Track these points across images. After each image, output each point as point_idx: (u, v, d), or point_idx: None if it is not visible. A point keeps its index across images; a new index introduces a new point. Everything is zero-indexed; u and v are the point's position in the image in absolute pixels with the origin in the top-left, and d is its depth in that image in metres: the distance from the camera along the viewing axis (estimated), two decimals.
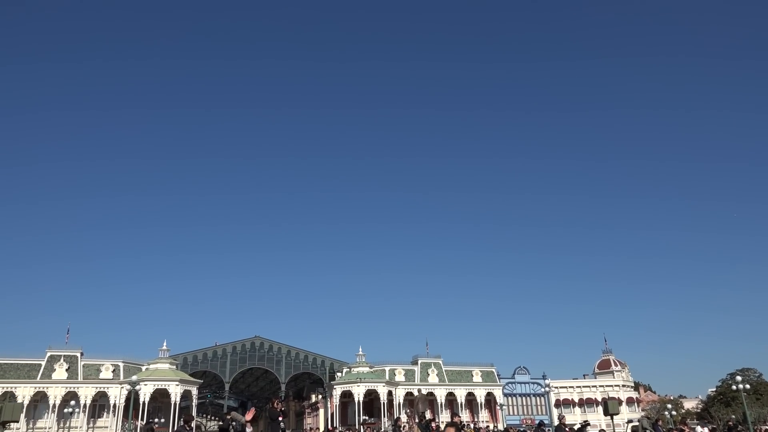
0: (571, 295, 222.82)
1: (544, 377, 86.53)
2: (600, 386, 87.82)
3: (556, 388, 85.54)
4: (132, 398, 50.65)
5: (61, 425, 65.42)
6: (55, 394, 65.27)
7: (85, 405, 65.84)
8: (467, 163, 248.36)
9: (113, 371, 68.87)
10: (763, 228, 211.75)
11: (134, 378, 47.14)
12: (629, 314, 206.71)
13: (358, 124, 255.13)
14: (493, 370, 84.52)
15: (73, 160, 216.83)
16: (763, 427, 50.27)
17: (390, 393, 74.47)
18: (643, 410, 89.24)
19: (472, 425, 51.53)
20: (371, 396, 73.52)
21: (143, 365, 70.78)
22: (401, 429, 28.72)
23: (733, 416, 69.09)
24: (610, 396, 78.35)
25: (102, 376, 68.35)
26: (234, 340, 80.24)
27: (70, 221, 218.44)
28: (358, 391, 71.57)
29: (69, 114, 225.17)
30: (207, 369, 77.44)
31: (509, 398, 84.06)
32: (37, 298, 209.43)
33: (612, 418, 34.17)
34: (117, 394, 66.95)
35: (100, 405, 68.26)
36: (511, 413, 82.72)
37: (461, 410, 76.17)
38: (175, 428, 52.13)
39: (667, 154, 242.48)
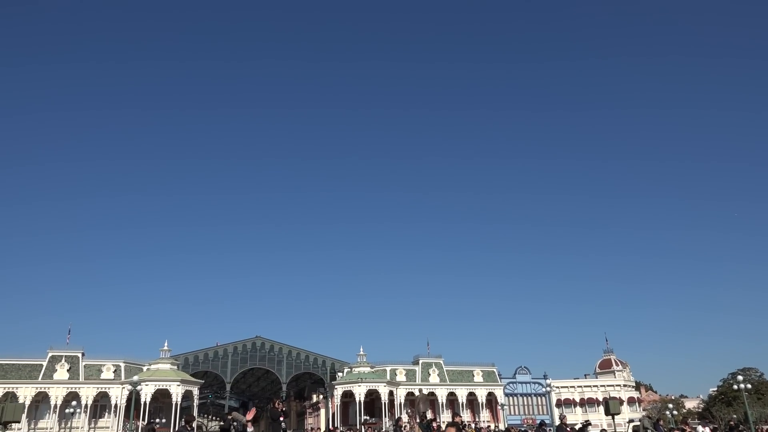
0: (572, 294, 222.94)
1: (545, 377, 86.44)
2: (601, 386, 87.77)
3: (558, 387, 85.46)
4: (133, 398, 50.74)
5: (63, 425, 65.45)
6: (57, 394, 65.33)
7: (86, 405, 65.86)
8: (468, 163, 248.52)
9: (114, 371, 68.92)
10: (764, 227, 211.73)
11: (135, 378, 47.14)
12: (630, 314, 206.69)
13: (359, 124, 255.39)
14: (495, 369, 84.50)
15: (73, 161, 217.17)
16: (765, 427, 50.26)
17: (391, 393, 74.47)
18: (644, 410, 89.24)
19: (473, 425, 51.56)
20: (372, 396, 73.52)
21: (144, 365, 70.81)
22: (402, 429, 28.74)
23: (735, 416, 68.96)
24: (612, 396, 78.22)
25: (103, 376, 68.41)
26: (235, 341, 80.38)
27: (72, 221, 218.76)
28: (360, 391, 71.55)
29: (69, 114, 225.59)
30: (208, 369, 77.49)
31: (510, 398, 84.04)
32: (39, 299, 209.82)
33: (613, 418, 34.19)
34: (118, 395, 67.01)
35: (101, 405, 68.31)
36: (512, 413, 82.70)
37: (462, 410, 76.20)
38: (177, 428, 52.17)
39: (667, 154, 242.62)
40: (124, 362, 70.21)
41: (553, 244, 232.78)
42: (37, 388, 65.18)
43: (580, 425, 29.61)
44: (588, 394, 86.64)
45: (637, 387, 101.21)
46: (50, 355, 67.86)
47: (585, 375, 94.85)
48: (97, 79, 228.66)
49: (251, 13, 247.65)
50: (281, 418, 17.72)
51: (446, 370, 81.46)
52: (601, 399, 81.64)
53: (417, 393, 75.54)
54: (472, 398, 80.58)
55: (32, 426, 64.69)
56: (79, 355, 69.12)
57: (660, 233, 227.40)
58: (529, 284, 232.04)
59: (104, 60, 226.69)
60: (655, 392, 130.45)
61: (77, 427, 65.54)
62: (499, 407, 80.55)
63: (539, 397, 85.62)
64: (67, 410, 63.57)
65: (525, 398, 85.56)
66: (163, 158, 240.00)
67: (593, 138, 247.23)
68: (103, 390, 67.48)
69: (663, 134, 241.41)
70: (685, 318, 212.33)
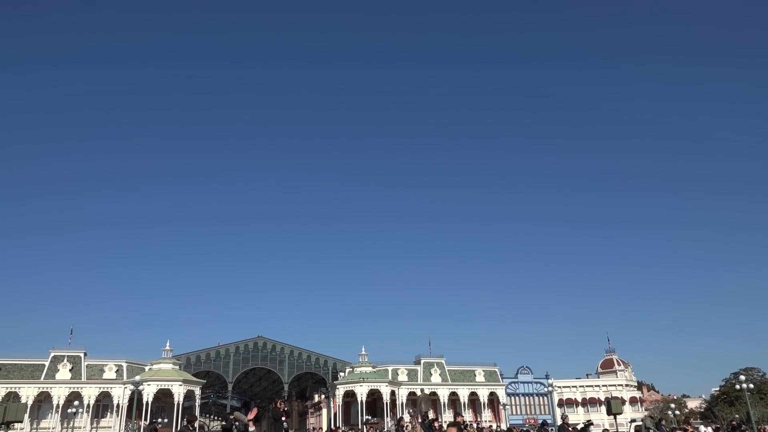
0: (574, 294, 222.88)
1: (547, 377, 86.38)
2: (603, 386, 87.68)
3: (559, 387, 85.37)
4: (135, 398, 50.81)
5: (65, 425, 65.55)
6: (59, 394, 65.44)
7: (88, 405, 65.96)
8: (468, 163, 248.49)
9: (116, 371, 69.00)
10: (765, 227, 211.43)
11: (137, 378, 47.30)
12: (632, 314, 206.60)
13: (359, 124, 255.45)
14: (496, 369, 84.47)
15: (73, 160, 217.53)
16: (767, 427, 50.11)
17: (393, 393, 74.48)
18: (646, 410, 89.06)
19: (474, 425, 51.48)
20: (374, 396, 73.53)
21: (146, 365, 70.86)
22: (404, 429, 28.73)
23: (737, 416, 68.77)
24: (613, 395, 78.13)
25: (105, 376, 68.50)
26: (237, 340, 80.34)
27: (72, 221, 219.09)
28: (361, 391, 71.54)
29: (69, 114, 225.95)
30: (210, 369, 77.50)
31: (512, 398, 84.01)
32: (41, 299, 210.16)
33: (615, 418, 34.17)
34: (120, 395, 67.08)
35: (103, 405, 68.37)
36: (514, 413, 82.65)
37: (464, 410, 76.16)
38: (179, 428, 52.27)
39: (667, 154, 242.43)
40: (126, 362, 70.28)
41: (554, 244, 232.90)
42: (39, 388, 65.29)
43: (582, 425, 29.56)
44: (590, 394, 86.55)
45: (639, 387, 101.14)
46: (52, 355, 67.97)
47: (587, 375, 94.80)
48: (97, 79, 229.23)
49: (251, 13, 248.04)
50: (283, 418, 17.71)
51: (448, 370, 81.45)
52: (603, 399, 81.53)
53: (419, 393, 75.50)
54: (473, 398, 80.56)
55: (34, 426, 64.79)
56: (82, 355, 69.22)
57: (662, 233, 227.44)
58: (531, 284, 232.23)
59: (104, 60, 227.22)
60: (657, 392, 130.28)
61: (79, 427, 65.64)
62: (501, 407, 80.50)
63: (541, 397, 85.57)
64: (69, 410, 63.68)
65: (527, 398, 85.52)
66: (163, 158, 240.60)
67: (593, 138, 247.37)
68: (105, 390, 67.56)
69: (663, 134, 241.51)
70: (687, 318, 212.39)
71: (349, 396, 73.83)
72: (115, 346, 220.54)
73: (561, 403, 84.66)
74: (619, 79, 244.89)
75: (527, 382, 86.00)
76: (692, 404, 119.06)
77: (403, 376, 78.87)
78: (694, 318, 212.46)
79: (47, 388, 65.56)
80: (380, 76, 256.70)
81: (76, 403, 64.60)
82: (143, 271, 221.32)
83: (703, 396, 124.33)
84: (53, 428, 64.88)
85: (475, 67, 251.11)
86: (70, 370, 67.10)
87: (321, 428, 70.07)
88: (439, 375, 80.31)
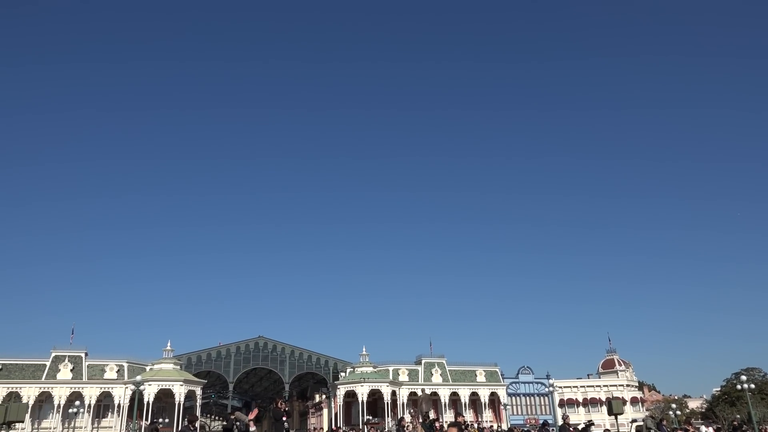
0: (575, 294, 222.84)
1: (548, 377, 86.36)
2: (604, 386, 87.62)
3: (560, 387, 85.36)
4: (136, 398, 50.78)
5: (66, 425, 65.62)
6: (60, 394, 65.50)
7: (89, 405, 66.02)
8: (468, 163, 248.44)
9: (117, 371, 69.06)
10: (765, 227, 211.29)
11: (138, 378, 47.27)
12: (633, 314, 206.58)
13: (359, 124, 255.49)
14: (497, 369, 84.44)
15: (73, 161, 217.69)
16: None
17: (394, 393, 74.46)
18: (647, 410, 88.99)
19: (475, 425, 51.46)
20: (375, 396, 73.53)
21: (147, 365, 70.91)
22: (405, 429, 28.75)
23: (738, 416, 68.75)
24: (615, 396, 78.12)
25: (106, 376, 68.55)
26: (238, 341, 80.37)
27: (73, 221, 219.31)
28: (362, 391, 71.54)
29: (69, 114, 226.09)
30: (211, 369, 77.54)
31: (513, 398, 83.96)
32: (41, 299, 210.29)
33: (616, 418, 34.16)
34: (121, 395, 67.13)
35: (104, 405, 68.46)
36: (515, 413, 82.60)
37: (465, 410, 76.14)
38: (179, 428, 52.28)
39: (667, 154, 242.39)
40: (127, 362, 70.34)
41: (554, 244, 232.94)
42: (40, 388, 65.35)
43: (583, 425, 29.56)
44: (591, 394, 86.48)
45: (640, 387, 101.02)
46: (53, 355, 68.03)
47: (588, 375, 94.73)
48: (97, 79, 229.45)
49: (251, 13, 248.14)
50: (284, 418, 17.72)
51: (449, 370, 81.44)
52: (604, 399, 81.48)
53: (420, 393, 75.51)
54: (474, 398, 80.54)
55: (35, 426, 64.84)
56: (83, 355, 69.29)
57: (663, 233, 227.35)
58: (531, 284, 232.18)
59: (104, 60, 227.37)
60: (658, 392, 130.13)
61: (80, 427, 65.70)
62: (502, 407, 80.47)
63: (542, 397, 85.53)
64: (70, 410, 63.76)
65: (528, 398, 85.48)
66: (163, 158, 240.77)
67: (593, 138, 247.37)
68: (106, 390, 67.63)
69: (663, 134, 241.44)
70: (688, 318, 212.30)
71: (350, 396, 73.85)
72: (116, 346, 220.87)
73: (562, 403, 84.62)
74: (619, 79, 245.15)
75: (528, 382, 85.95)
76: (693, 404, 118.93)
77: (404, 376, 78.86)
78: (694, 318, 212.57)
79: (48, 388, 65.62)
80: (380, 76, 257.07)
81: (77, 403, 64.67)
82: (144, 271, 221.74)
83: (704, 396, 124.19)
84: (54, 428, 64.93)
85: (475, 67, 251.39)
86: (71, 370, 67.17)
87: (322, 428, 70.04)
88: (440, 375, 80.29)
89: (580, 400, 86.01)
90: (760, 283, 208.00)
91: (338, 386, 74.15)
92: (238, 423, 15.86)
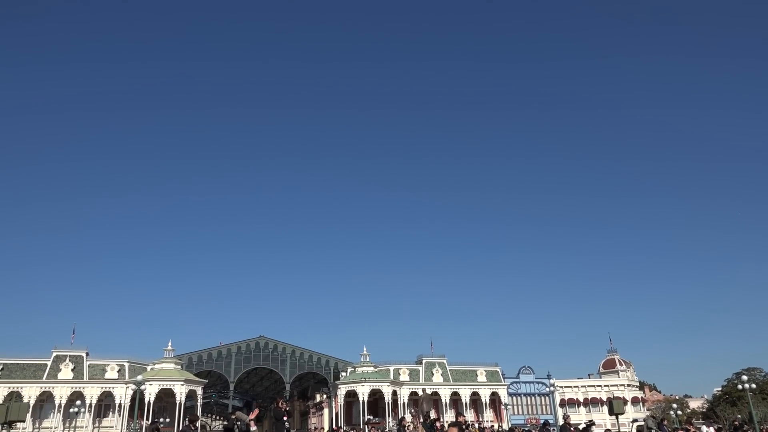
0: (576, 294, 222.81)
1: (548, 377, 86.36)
2: (605, 386, 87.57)
3: (561, 387, 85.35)
4: (137, 398, 50.74)
5: (67, 425, 65.66)
6: (61, 394, 65.52)
7: (90, 405, 66.05)
8: (467, 163, 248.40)
9: (118, 371, 69.08)
10: (765, 227, 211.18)
11: (139, 378, 47.22)
12: (634, 314, 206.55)
13: (359, 124, 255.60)
14: (498, 369, 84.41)
15: (73, 161, 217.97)
16: None
17: (394, 393, 74.45)
18: (648, 410, 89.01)
19: (476, 425, 51.45)
20: (376, 396, 73.52)
21: (148, 365, 70.94)
22: (406, 428, 28.75)
23: (739, 416, 68.72)
24: (615, 396, 78.13)
25: (107, 376, 68.57)
26: (239, 340, 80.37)
27: (73, 221, 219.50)
28: (363, 391, 71.54)
29: (69, 114, 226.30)
30: (212, 369, 77.56)
31: (514, 398, 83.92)
32: (43, 299, 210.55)
33: (617, 418, 34.13)
34: (122, 394, 67.16)
35: (105, 405, 68.49)
36: (515, 413, 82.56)
37: (466, 410, 76.12)
38: (180, 428, 52.29)
39: (667, 154, 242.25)
40: (128, 362, 70.37)
41: (554, 244, 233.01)
42: (41, 387, 65.39)
43: (584, 425, 29.56)
44: (592, 394, 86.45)
45: (641, 387, 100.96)
46: (54, 354, 68.06)
47: (589, 375, 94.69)
48: (98, 79, 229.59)
49: (251, 13, 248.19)
50: (285, 418, 17.72)
51: (449, 370, 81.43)
52: (604, 399, 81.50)
53: (420, 393, 75.50)
54: (475, 398, 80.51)
55: (37, 425, 64.85)
56: (84, 354, 69.31)
57: (664, 233, 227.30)
58: (532, 284, 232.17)
59: (104, 60, 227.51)
60: (659, 392, 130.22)
61: (81, 427, 65.73)
62: (503, 407, 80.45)
63: (543, 397, 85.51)
64: (71, 410, 63.80)
65: (528, 398, 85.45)
66: (163, 158, 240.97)
67: (593, 138, 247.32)
68: (107, 389, 67.66)
69: (663, 134, 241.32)
70: (690, 318, 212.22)
71: (351, 396, 73.85)
72: (117, 346, 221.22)
73: (563, 403, 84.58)
74: (619, 79, 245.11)
75: (529, 382, 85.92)
76: (694, 404, 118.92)
77: (404, 376, 78.85)
78: (695, 318, 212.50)
79: (49, 387, 65.64)
80: (380, 76, 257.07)
81: (78, 402, 64.70)
82: (144, 271, 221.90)
83: (705, 396, 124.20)
84: (55, 428, 64.98)
85: (475, 67, 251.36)
86: (72, 370, 67.21)
87: (323, 428, 70.06)
88: (441, 375, 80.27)
89: (581, 400, 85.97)
90: (760, 283, 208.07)
91: (339, 386, 74.16)
92: (239, 423, 15.86)
